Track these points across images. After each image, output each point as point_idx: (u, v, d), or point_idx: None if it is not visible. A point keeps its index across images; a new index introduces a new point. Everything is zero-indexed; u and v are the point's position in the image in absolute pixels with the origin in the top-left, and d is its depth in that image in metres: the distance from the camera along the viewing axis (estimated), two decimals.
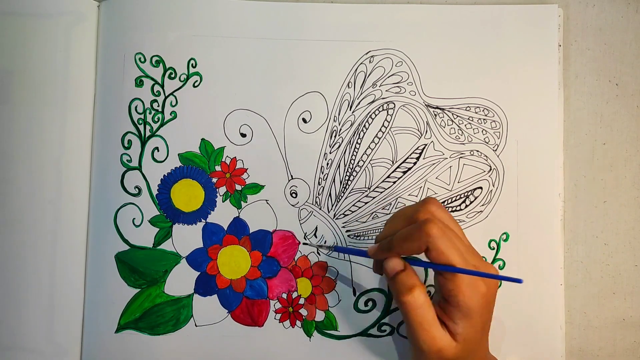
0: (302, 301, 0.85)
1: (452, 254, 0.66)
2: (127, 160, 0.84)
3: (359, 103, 0.85)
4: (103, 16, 0.86)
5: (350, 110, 0.85)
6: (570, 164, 0.86)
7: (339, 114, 0.85)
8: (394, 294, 0.71)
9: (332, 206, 0.85)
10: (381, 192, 0.85)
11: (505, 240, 0.84)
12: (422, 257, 0.70)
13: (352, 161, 0.85)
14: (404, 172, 0.85)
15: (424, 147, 0.85)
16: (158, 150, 0.84)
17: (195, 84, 0.85)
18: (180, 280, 0.84)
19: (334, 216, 0.85)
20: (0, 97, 0.83)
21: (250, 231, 0.85)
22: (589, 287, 0.86)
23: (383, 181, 0.85)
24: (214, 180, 0.85)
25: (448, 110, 0.85)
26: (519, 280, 0.63)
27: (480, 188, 0.85)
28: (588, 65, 0.87)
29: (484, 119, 0.85)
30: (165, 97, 0.85)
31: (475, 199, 0.85)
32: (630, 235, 0.86)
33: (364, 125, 0.85)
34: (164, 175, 0.84)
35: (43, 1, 0.84)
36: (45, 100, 0.83)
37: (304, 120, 0.85)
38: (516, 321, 0.84)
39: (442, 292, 0.69)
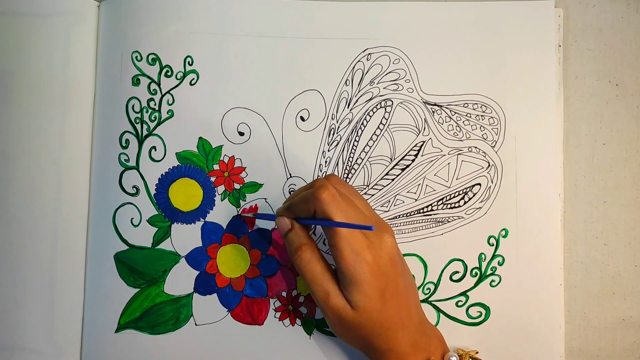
0: (301, 299, 0.84)
1: (335, 217, 0.69)
2: (124, 159, 0.84)
3: (356, 101, 0.85)
4: (103, 16, 0.86)
5: (348, 108, 0.85)
6: (570, 164, 0.86)
7: (336, 112, 0.85)
8: (288, 254, 0.76)
9: None
10: (380, 190, 0.85)
11: (504, 237, 0.84)
12: None
13: (351, 159, 0.85)
14: (403, 170, 0.85)
15: (422, 144, 0.85)
16: (155, 150, 0.84)
17: (192, 82, 0.85)
18: (180, 280, 0.84)
19: None
20: (0, 97, 0.83)
21: (250, 230, 0.85)
22: (589, 287, 0.86)
23: (381, 178, 0.85)
24: (212, 179, 0.85)
25: (446, 107, 0.85)
26: (369, 228, 0.64)
27: (479, 184, 0.85)
28: (588, 66, 0.87)
29: (481, 116, 0.85)
30: (162, 96, 0.85)
31: (474, 195, 0.85)
32: (630, 236, 0.86)
33: (362, 123, 0.85)
34: (162, 175, 0.84)
35: (43, 1, 0.84)
36: (44, 100, 0.83)
37: (302, 119, 0.85)
38: (516, 321, 0.84)
39: (334, 262, 0.72)
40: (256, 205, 0.85)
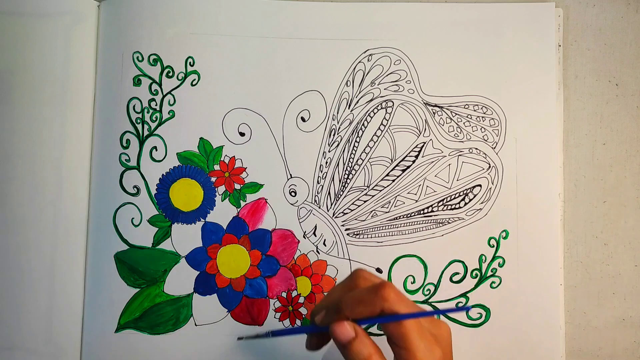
0: (301, 300, 0.85)
1: (406, 321, 0.64)
2: (125, 159, 0.84)
3: (357, 101, 0.85)
4: (103, 16, 0.86)
5: (348, 108, 0.85)
6: (570, 164, 0.86)
7: (337, 113, 0.85)
8: None
9: (331, 205, 0.85)
10: (380, 191, 0.85)
11: (504, 238, 0.84)
12: None
13: (351, 159, 0.85)
14: (403, 171, 0.85)
15: (423, 145, 0.85)
16: (156, 150, 0.84)
17: (193, 83, 0.85)
18: (180, 280, 0.84)
19: (333, 214, 0.85)
20: (0, 97, 0.83)
21: (250, 230, 0.85)
22: (589, 287, 0.86)
23: (382, 179, 0.85)
24: (213, 179, 0.85)
25: (447, 108, 0.85)
26: (467, 308, 0.63)
27: (480, 186, 0.85)
28: (588, 66, 0.87)
29: (482, 117, 0.85)
30: (163, 96, 0.85)
31: (474, 197, 0.85)
32: (630, 235, 0.86)
33: (363, 124, 0.85)
34: (163, 175, 0.85)
35: (43, 1, 0.84)
36: (45, 100, 0.83)
37: (303, 119, 0.85)
38: (516, 322, 0.84)
39: None
40: (263, 199, 0.85)
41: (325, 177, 0.85)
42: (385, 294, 0.63)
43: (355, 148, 0.85)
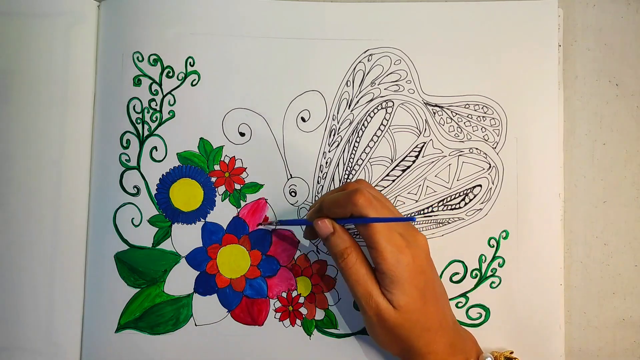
0: (301, 300, 0.85)
1: (374, 224, 0.71)
2: (125, 159, 0.84)
3: (357, 101, 0.85)
4: (103, 16, 0.86)
5: (349, 108, 0.85)
6: (570, 164, 0.86)
7: (337, 113, 0.85)
8: (331, 256, 0.77)
9: None
10: (380, 191, 0.84)
11: (505, 238, 0.84)
12: None
13: (351, 160, 0.85)
14: (403, 171, 0.85)
15: (423, 145, 0.85)
16: (156, 150, 0.84)
17: (194, 83, 0.85)
18: (180, 280, 0.84)
19: None
20: (0, 97, 0.83)
21: (250, 230, 0.85)
22: (589, 287, 0.86)
23: (382, 179, 0.85)
24: (213, 179, 0.85)
25: (447, 108, 0.85)
26: (412, 219, 0.67)
27: (480, 186, 0.85)
28: (588, 66, 0.87)
29: (483, 117, 0.85)
30: (164, 96, 0.85)
31: (474, 197, 0.85)
32: (630, 235, 0.86)
33: (363, 124, 0.85)
34: (163, 175, 0.84)
35: (43, 1, 0.84)
36: (44, 100, 0.83)
37: (303, 119, 0.85)
38: (516, 322, 0.84)
39: (373, 263, 0.73)
40: (263, 199, 0.85)
41: (326, 177, 0.85)
42: (354, 199, 0.71)
43: (355, 148, 0.85)
